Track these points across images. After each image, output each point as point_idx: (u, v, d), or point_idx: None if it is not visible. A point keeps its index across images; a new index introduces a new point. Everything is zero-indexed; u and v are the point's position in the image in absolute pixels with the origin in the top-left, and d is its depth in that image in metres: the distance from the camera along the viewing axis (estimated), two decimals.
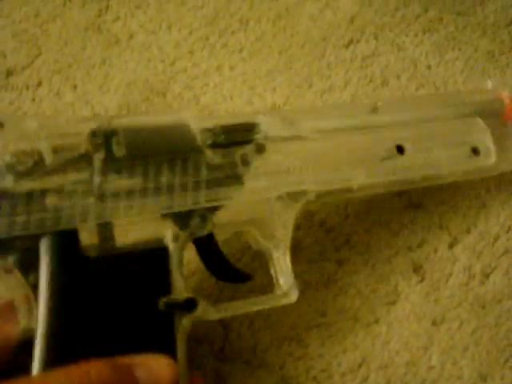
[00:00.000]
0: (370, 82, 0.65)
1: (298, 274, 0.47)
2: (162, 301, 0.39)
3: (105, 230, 0.39)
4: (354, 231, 0.55)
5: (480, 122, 0.53)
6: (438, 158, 0.51)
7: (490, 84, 0.58)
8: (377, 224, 0.56)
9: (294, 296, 0.45)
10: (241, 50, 0.66)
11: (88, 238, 0.39)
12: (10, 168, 0.38)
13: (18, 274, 0.37)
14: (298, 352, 0.50)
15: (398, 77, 0.65)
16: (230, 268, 0.45)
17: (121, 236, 0.40)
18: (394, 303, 0.53)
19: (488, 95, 0.56)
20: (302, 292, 0.48)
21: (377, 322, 0.52)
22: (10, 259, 0.37)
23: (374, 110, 0.51)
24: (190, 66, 0.64)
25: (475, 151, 0.52)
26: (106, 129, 0.41)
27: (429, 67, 0.66)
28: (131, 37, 0.66)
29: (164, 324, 0.39)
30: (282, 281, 0.45)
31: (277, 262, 0.46)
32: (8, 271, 0.37)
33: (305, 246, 0.54)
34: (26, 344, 0.36)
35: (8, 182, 0.37)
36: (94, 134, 0.40)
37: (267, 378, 0.48)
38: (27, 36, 0.65)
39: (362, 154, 0.49)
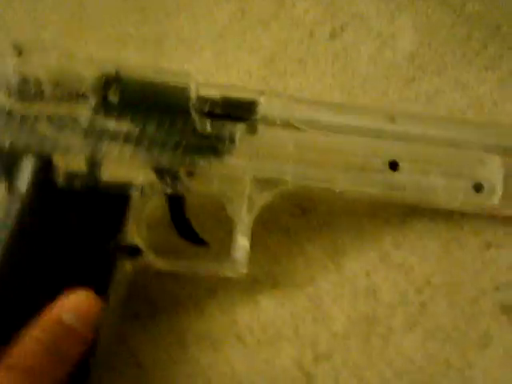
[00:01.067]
0: None
1: (380, 320, 0.49)
2: (112, 243, 0.43)
3: (91, 163, 0.44)
4: (435, 272, 0.53)
5: (497, 160, 0.51)
6: (434, 185, 0.50)
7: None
8: (458, 264, 0.53)
9: (240, 271, 0.47)
10: (301, 91, 0.65)
11: (76, 166, 0.43)
12: (14, 91, 0.43)
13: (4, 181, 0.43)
14: None
15: (464, 114, 0.64)
16: (189, 228, 0.48)
17: (103, 167, 0.44)
18: (486, 346, 0.50)
19: None
20: (387, 336, 0.46)
21: (470, 366, 0.49)
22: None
23: (392, 119, 0.51)
24: None
25: (478, 188, 0.50)
26: (109, 75, 0.45)
27: (495, 103, 0.65)
28: None
29: (106, 264, 0.43)
30: (235, 255, 0.47)
31: (236, 237, 0.47)
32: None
33: (384, 289, 0.51)
34: None
35: (9, 102, 0.43)
36: (98, 78, 0.45)
37: None
38: None
39: (351, 159, 0.49)
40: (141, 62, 0.66)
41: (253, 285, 0.52)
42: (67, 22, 0.68)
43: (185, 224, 0.48)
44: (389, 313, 0.51)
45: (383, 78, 0.65)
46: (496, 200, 0.51)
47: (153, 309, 0.50)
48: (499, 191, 0.51)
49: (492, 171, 0.51)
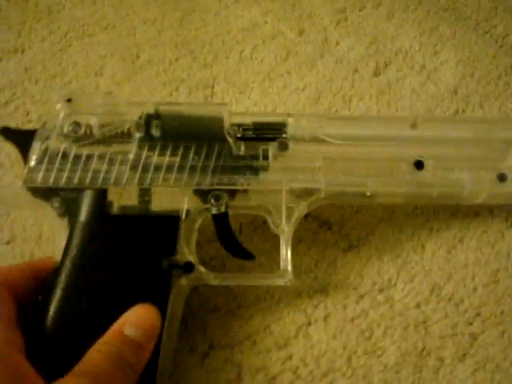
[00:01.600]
0: None
1: (431, 352, 0.49)
2: (166, 261, 0.47)
3: (143, 194, 0.49)
4: (484, 303, 0.54)
5: None
6: (460, 179, 0.52)
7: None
8: (507, 294, 0.54)
9: (288, 279, 0.49)
10: None
11: (127, 198, 0.48)
12: (67, 135, 0.49)
13: (63, 215, 0.48)
14: None
15: None
16: (236, 244, 0.51)
17: (155, 201, 0.49)
18: None
19: None
20: (438, 368, 0.47)
21: None
22: (57, 203, 0.48)
23: (413, 125, 0.54)
24: None
25: (502, 177, 0.53)
26: (149, 112, 0.50)
27: None
28: None
29: (163, 282, 0.47)
30: (281, 265, 0.50)
31: (280, 248, 0.50)
32: (61, 215, 0.48)
33: (435, 321, 0.52)
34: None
35: (64, 145, 0.49)
36: (140, 116, 0.50)
37: None
38: None
39: (380, 163, 0.52)
40: None
41: (305, 318, 0.53)
42: (121, 68, 0.71)
43: (231, 240, 0.51)
44: (439, 344, 0.52)
45: (427, 111, 0.67)
46: None
47: (209, 343, 0.52)
48: None
49: None
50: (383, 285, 0.55)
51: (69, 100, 0.50)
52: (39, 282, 0.46)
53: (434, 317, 0.53)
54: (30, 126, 0.65)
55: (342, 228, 0.58)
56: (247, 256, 0.51)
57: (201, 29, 0.76)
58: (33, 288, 0.45)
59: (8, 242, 0.57)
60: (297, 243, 0.57)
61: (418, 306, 0.54)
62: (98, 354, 0.41)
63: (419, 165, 0.52)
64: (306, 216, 0.56)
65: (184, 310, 0.51)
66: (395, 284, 0.55)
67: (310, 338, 0.52)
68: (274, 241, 0.53)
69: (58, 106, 0.50)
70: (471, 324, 0.53)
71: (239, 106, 0.69)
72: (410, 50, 0.73)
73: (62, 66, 0.72)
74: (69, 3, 0.78)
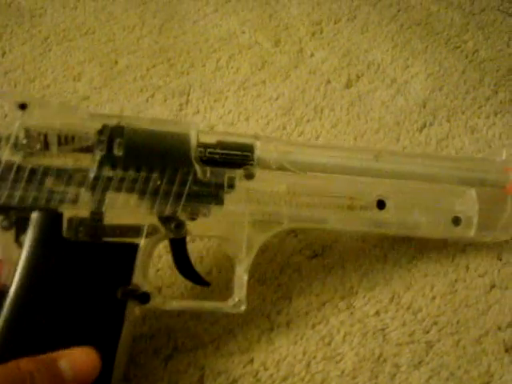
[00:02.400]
0: None
1: (387, 358, 0.51)
2: (121, 290, 0.45)
3: (96, 214, 0.45)
4: (442, 312, 0.55)
5: (473, 193, 0.55)
6: (417, 221, 0.53)
7: (504, 154, 0.59)
8: (463, 304, 0.56)
9: (241, 308, 0.49)
10: (317, 137, 0.68)
11: (79, 215, 0.45)
12: (22, 147, 0.44)
13: (12, 234, 0.44)
14: None
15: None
16: (191, 270, 0.50)
17: (109, 217, 0.46)
18: None
19: (495, 167, 0.57)
20: (394, 374, 0.49)
21: None
22: (6, 222, 0.44)
23: (377, 157, 0.53)
24: None
25: (456, 221, 0.54)
26: (112, 127, 0.47)
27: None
28: (211, 128, 0.69)
29: (117, 311, 0.45)
30: (235, 293, 0.49)
31: (236, 276, 0.49)
32: (5, 229, 0.44)
33: (393, 329, 0.54)
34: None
35: (17, 158, 0.44)
36: (101, 131, 0.46)
37: None
38: None
39: (343, 199, 0.52)
40: (167, 113, 0.70)
41: (268, 323, 0.54)
42: (99, 74, 0.73)
43: (187, 266, 0.50)
44: (396, 351, 0.54)
45: (395, 124, 0.68)
46: (472, 232, 0.55)
47: (173, 346, 0.53)
48: (475, 223, 0.54)
49: (468, 204, 0.54)
50: (345, 292, 0.57)
51: (23, 106, 0.45)
52: None
53: (392, 324, 0.55)
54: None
55: (308, 236, 0.60)
56: (203, 283, 0.51)
57: (179, 37, 0.77)
58: None
59: None
60: (263, 250, 0.58)
61: (377, 313, 0.55)
62: (3, 367, 0.38)
63: (381, 204, 0.52)
64: None
65: (149, 312, 0.52)
66: (356, 292, 0.57)
67: (272, 343, 0.54)
68: (229, 267, 0.53)
69: (12, 113, 0.45)
70: (428, 332, 0.55)
71: (213, 114, 0.71)
72: (381, 63, 0.74)
73: (41, 70, 0.73)
74: (50, 8, 0.79)
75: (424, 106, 0.71)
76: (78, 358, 0.41)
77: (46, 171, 0.45)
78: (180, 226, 0.48)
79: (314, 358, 0.53)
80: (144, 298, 0.46)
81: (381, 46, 0.76)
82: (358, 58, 0.75)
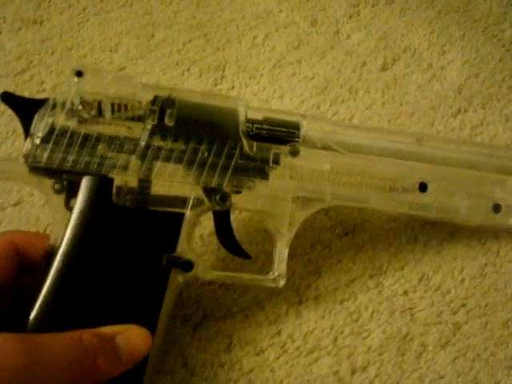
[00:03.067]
0: None
1: (414, 337, 0.51)
2: (166, 256, 0.46)
3: (145, 182, 0.47)
4: (470, 295, 0.55)
5: None
6: (458, 206, 0.53)
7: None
8: (492, 288, 0.56)
9: (280, 283, 0.49)
10: (351, 118, 0.68)
11: (128, 182, 0.46)
12: (76, 113, 0.46)
13: (63, 198, 0.45)
14: None
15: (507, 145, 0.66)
16: (234, 243, 0.50)
17: (157, 186, 0.47)
18: None
19: None
20: (420, 353, 0.49)
21: None
22: (58, 185, 0.45)
23: (420, 141, 0.53)
24: None
25: (496, 208, 0.54)
26: (164, 99, 0.48)
27: None
28: None
29: (162, 277, 0.46)
30: (276, 268, 0.50)
31: (277, 251, 0.50)
32: (57, 192, 0.46)
33: (421, 309, 0.54)
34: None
35: (72, 124, 0.46)
36: (153, 101, 0.48)
37: None
38: None
39: (385, 181, 0.52)
40: (202, 87, 0.70)
41: (296, 297, 0.55)
42: (136, 46, 0.73)
43: (230, 238, 0.50)
44: (423, 331, 0.54)
45: (430, 108, 0.68)
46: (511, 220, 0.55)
47: (203, 314, 0.54)
48: None
49: (509, 192, 0.55)
50: (374, 271, 0.57)
51: (79, 73, 0.46)
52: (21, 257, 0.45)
53: (420, 304, 0.55)
54: (43, 96, 0.66)
55: (339, 214, 0.60)
56: (244, 255, 0.51)
57: (216, 12, 0.77)
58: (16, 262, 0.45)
59: (15, 205, 0.59)
60: None
61: (405, 293, 0.56)
62: (67, 337, 0.39)
63: (423, 187, 0.53)
64: None
65: None
66: (386, 271, 0.57)
67: (300, 316, 0.54)
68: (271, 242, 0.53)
69: (69, 80, 0.46)
70: (456, 314, 0.55)
71: (248, 91, 0.71)
72: (418, 48, 0.74)
73: (79, 39, 0.74)
74: None
75: (459, 92, 0.71)
76: (134, 336, 0.43)
77: (99, 137, 0.46)
78: (225, 198, 0.48)
79: (342, 332, 0.53)
80: (187, 265, 0.47)
81: (418, 30, 0.76)
82: (394, 41, 0.75)
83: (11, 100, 0.47)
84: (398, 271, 0.57)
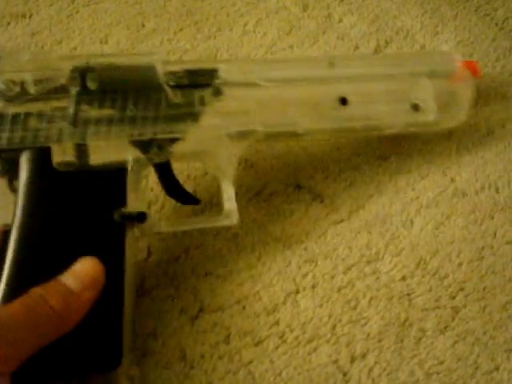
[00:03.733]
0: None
1: (413, 323, 0.51)
2: (117, 213, 0.47)
3: (80, 149, 0.48)
4: (468, 278, 0.55)
5: (426, 81, 0.58)
6: (379, 111, 0.56)
7: (445, 47, 0.68)
8: (490, 271, 0.56)
9: (234, 219, 0.51)
10: None
11: (65, 155, 0.47)
12: (1, 94, 0.47)
13: (5, 181, 0.47)
14: None
15: (503, 126, 0.66)
16: (181, 190, 0.53)
17: (93, 155, 0.48)
18: None
19: (441, 57, 0.61)
20: (419, 338, 0.49)
21: (497, 369, 0.51)
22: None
23: (331, 64, 0.57)
24: None
25: (416, 107, 0.57)
26: (83, 66, 0.49)
27: None
28: None
29: (117, 233, 0.47)
30: (226, 205, 0.52)
31: (223, 189, 0.52)
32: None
33: (419, 294, 0.54)
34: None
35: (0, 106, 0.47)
36: (73, 70, 0.49)
37: None
38: None
39: (308, 102, 0.55)
40: None
41: (293, 286, 0.55)
42: (126, 36, 0.72)
43: (176, 187, 0.52)
44: (422, 316, 0.54)
45: None
46: (432, 116, 0.58)
47: (199, 306, 0.53)
48: (433, 108, 0.58)
49: (424, 92, 0.58)
50: (371, 257, 0.57)
51: None
52: None
53: (418, 290, 0.55)
54: None
55: (334, 201, 0.60)
56: (193, 201, 0.53)
57: (206, 0, 0.76)
58: None
59: None
60: (289, 215, 0.59)
61: (403, 278, 0.55)
62: (17, 301, 0.40)
63: (343, 101, 0.55)
64: (300, 188, 0.58)
65: (176, 272, 0.53)
66: (383, 257, 0.57)
67: (298, 306, 0.54)
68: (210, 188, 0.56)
69: None
70: (454, 298, 0.55)
71: None
72: (411, 30, 0.74)
73: (68, 31, 0.73)
74: None
75: None
76: (80, 270, 0.44)
77: (28, 113, 0.47)
78: (161, 147, 0.50)
79: (340, 321, 0.53)
80: (140, 217, 0.48)
81: (410, 12, 0.75)
82: (386, 23, 0.74)
83: None
84: (395, 257, 0.57)
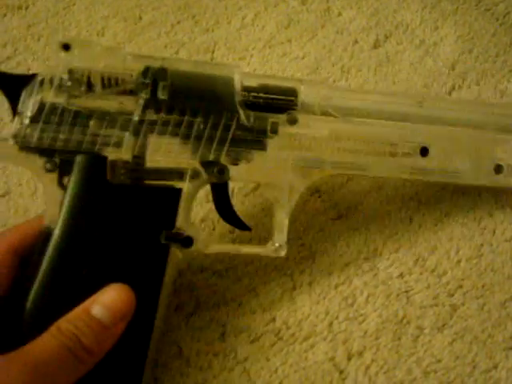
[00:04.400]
0: None
1: (411, 320, 0.51)
2: (165, 234, 0.45)
3: (136, 162, 0.45)
4: (467, 276, 0.55)
5: None
6: (459, 168, 0.52)
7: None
8: (489, 268, 0.55)
9: (282, 253, 0.49)
10: None
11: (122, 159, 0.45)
12: (65, 88, 0.44)
13: (56, 177, 0.44)
14: None
15: None
16: (233, 215, 0.50)
17: (152, 162, 0.46)
18: None
19: None
20: (417, 336, 0.48)
21: (495, 367, 0.51)
22: (49, 164, 0.44)
23: (421, 103, 0.52)
24: None
25: (498, 169, 0.53)
26: (156, 70, 0.46)
27: None
28: None
29: (160, 255, 0.45)
30: (276, 237, 0.49)
31: (277, 221, 0.49)
32: (49, 171, 0.44)
33: (417, 291, 0.54)
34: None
35: (61, 100, 0.44)
36: (144, 72, 0.46)
37: None
38: None
39: (385, 146, 0.51)
40: None
41: (290, 283, 0.54)
42: (123, 29, 0.72)
43: (229, 210, 0.50)
44: (420, 314, 0.53)
45: (424, 86, 0.67)
46: None
47: (196, 303, 0.53)
48: None
49: (510, 153, 0.53)
50: (369, 254, 0.56)
51: (66, 47, 0.45)
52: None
53: (416, 287, 0.54)
54: None
55: (332, 197, 0.59)
56: (244, 227, 0.51)
57: None
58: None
59: (3, 195, 0.58)
60: None
61: (401, 275, 0.55)
62: (49, 336, 0.39)
63: (424, 151, 0.51)
64: None
65: None
66: (380, 254, 0.56)
67: (294, 302, 0.53)
68: (264, 210, 0.55)
69: (57, 54, 0.45)
70: (452, 296, 0.54)
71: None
72: (410, 24, 0.73)
73: (65, 24, 0.72)
74: None
75: (453, 69, 0.69)
76: (108, 299, 0.42)
77: (91, 114, 0.45)
78: (222, 171, 0.47)
79: (337, 318, 0.53)
80: (187, 241, 0.46)
81: (410, 6, 0.75)
82: (386, 18, 0.74)
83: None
84: (393, 253, 0.56)
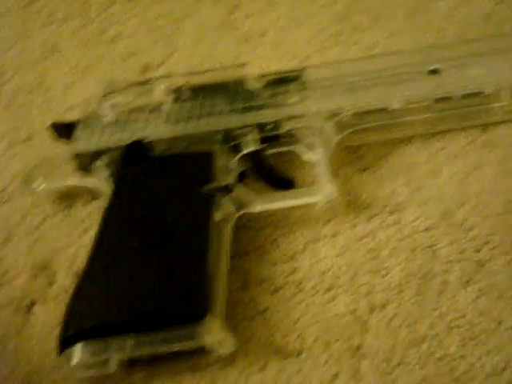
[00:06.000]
0: None
1: (436, 275, 0.50)
2: (206, 187, 0.50)
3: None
4: (495, 231, 0.53)
5: None
6: (477, 74, 0.53)
7: None
8: None
9: (333, 195, 0.53)
10: (373, 47, 0.65)
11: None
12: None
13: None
14: (438, 353, 0.48)
15: None
16: (274, 174, 0.54)
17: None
18: None
19: None
20: (441, 291, 0.47)
21: None
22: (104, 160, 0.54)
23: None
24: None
25: None
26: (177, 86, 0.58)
27: None
28: (262, 34, 0.67)
29: (206, 203, 0.49)
30: (322, 180, 0.53)
31: (319, 170, 0.53)
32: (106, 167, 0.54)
33: (443, 246, 0.52)
34: None
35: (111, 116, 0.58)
36: (167, 90, 0.58)
37: (406, 378, 0.46)
38: (162, 33, 0.67)
39: (396, 76, 0.55)
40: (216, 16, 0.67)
41: (313, 234, 0.53)
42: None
43: (268, 170, 0.54)
44: (445, 268, 0.52)
45: (456, 36, 0.65)
46: None
47: None
48: None
49: None
50: (394, 207, 0.55)
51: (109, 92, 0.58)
52: None
53: (441, 241, 0.53)
54: (52, 27, 0.64)
55: (359, 149, 0.58)
56: (287, 184, 0.54)
57: None
58: None
59: None
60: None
61: (427, 229, 0.54)
62: None
63: (434, 72, 0.54)
64: None
65: None
66: (406, 207, 0.55)
67: (317, 254, 0.53)
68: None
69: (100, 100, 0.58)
70: (479, 251, 0.53)
71: (265, 19, 0.69)
72: None
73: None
74: None
75: (487, 19, 0.67)
76: None
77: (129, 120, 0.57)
78: (250, 134, 0.53)
79: (360, 270, 0.52)
80: (227, 188, 0.51)
81: None
82: None
83: (59, 129, 0.58)
84: (420, 207, 0.55)
